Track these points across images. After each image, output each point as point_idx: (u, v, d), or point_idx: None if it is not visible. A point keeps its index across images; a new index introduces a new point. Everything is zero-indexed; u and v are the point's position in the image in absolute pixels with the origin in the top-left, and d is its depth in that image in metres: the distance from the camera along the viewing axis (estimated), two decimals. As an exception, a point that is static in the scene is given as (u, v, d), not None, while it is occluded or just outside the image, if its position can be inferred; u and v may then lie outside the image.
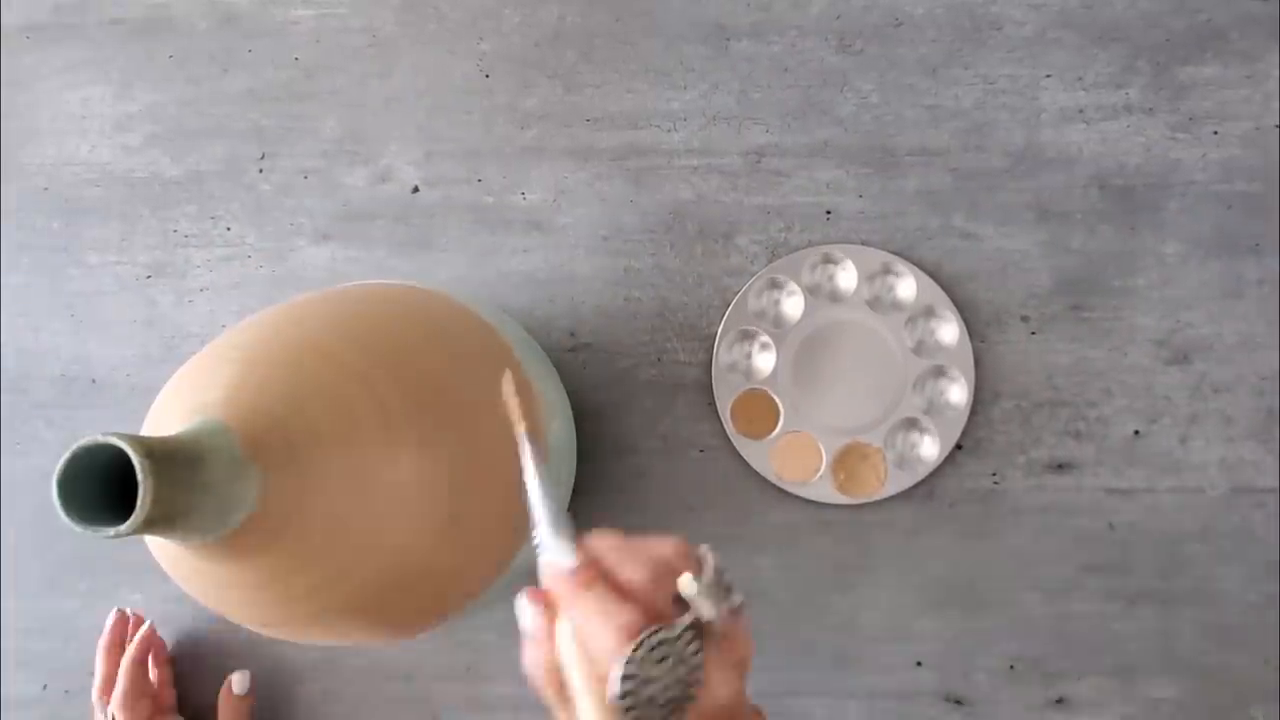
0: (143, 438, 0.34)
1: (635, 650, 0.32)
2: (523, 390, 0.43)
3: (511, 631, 0.65)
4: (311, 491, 0.39)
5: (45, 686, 0.66)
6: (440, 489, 0.43)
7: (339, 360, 0.43)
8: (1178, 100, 0.62)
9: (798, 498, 0.62)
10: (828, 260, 0.62)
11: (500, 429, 0.46)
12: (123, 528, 0.33)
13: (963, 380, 0.61)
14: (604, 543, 0.36)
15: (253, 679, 0.62)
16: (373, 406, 0.41)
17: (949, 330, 0.61)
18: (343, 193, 0.66)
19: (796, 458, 0.62)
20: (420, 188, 0.66)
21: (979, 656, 0.61)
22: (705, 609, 0.34)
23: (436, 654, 0.64)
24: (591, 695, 0.33)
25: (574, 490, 0.57)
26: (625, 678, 0.32)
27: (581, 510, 0.63)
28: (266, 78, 0.67)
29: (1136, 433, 0.61)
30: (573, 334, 0.64)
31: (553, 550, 0.36)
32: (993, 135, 0.63)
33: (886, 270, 0.62)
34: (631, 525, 0.63)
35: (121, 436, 0.33)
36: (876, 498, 0.61)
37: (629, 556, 0.35)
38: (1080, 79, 0.62)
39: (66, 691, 0.66)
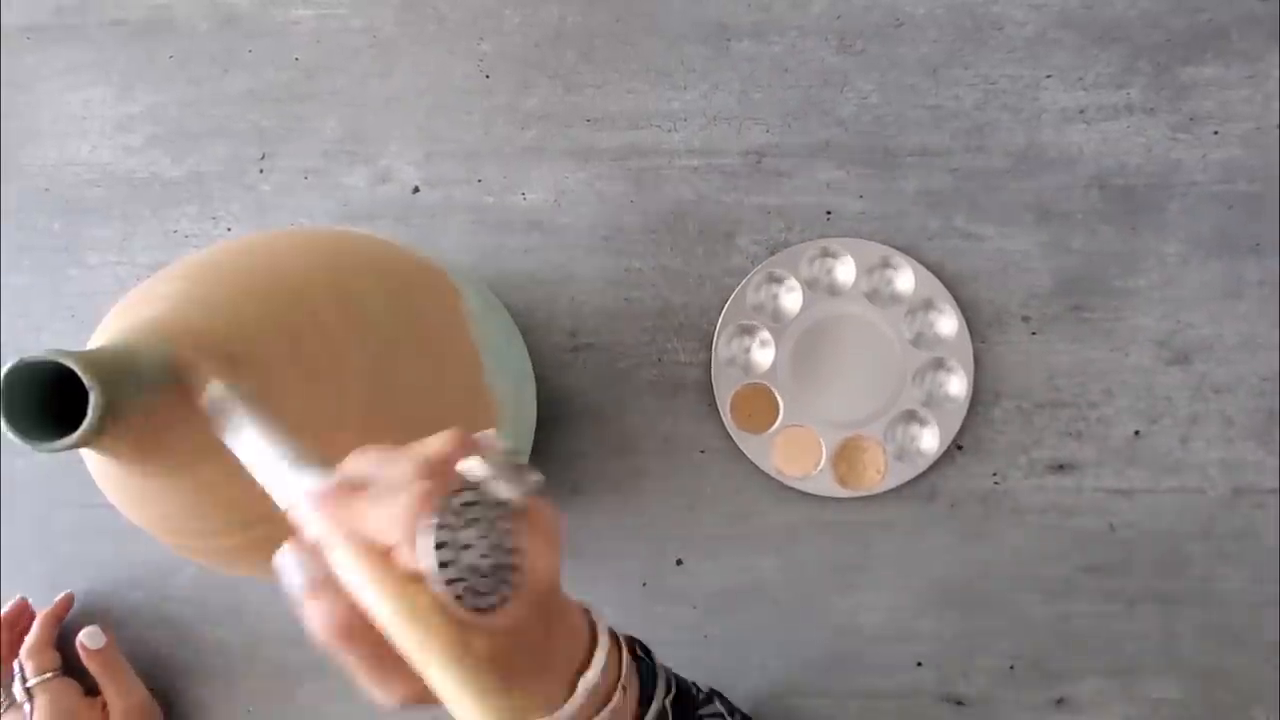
0: (84, 351, 0.34)
1: (442, 513, 0.27)
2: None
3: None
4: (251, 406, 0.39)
5: (46, 686, 0.66)
6: (383, 416, 0.43)
7: (284, 284, 0.43)
8: (1178, 100, 0.62)
9: (798, 498, 0.62)
10: (826, 254, 0.62)
11: (448, 366, 0.46)
12: (71, 438, 0.33)
13: (962, 372, 0.61)
14: (361, 460, 0.31)
15: (106, 632, 0.62)
16: (315, 330, 0.42)
17: (947, 323, 0.61)
18: (343, 193, 0.66)
19: (796, 452, 0.62)
20: (420, 188, 0.66)
21: (979, 657, 0.61)
22: (502, 489, 0.29)
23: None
24: (406, 599, 0.27)
25: (575, 491, 0.57)
26: (439, 546, 0.27)
27: (582, 510, 0.63)
28: (267, 78, 0.67)
29: (1137, 433, 0.61)
30: (573, 334, 0.64)
31: (295, 483, 0.31)
32: (993, 135, 0.63)
33: (885, 264, 0.62)
34: (632, 525, 0.63)
35: (63, 353, 0.33)
36: (876, 490, 0.61)
37: (393, 461, 0.30)
38: (1081, 79, 0.62)
39: (67, 691, 0.66)
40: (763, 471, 0.62)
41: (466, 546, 0.27)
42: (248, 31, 0.67)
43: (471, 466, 0.29)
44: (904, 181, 0.63)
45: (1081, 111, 0.62)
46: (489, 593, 0.28)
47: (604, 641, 0.34)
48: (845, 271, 0.62)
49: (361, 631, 0.29)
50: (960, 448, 0.62)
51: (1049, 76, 0.63)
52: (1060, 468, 0.61)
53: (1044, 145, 0.62)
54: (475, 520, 0.28)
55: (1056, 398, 0.62)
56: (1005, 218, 0.62)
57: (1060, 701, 0.61)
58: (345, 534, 0.29)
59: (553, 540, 0.30)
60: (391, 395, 0.43)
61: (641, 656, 0.39)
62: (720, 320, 0.62)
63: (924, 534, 0.62)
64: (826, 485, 0.61)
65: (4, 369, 0.34)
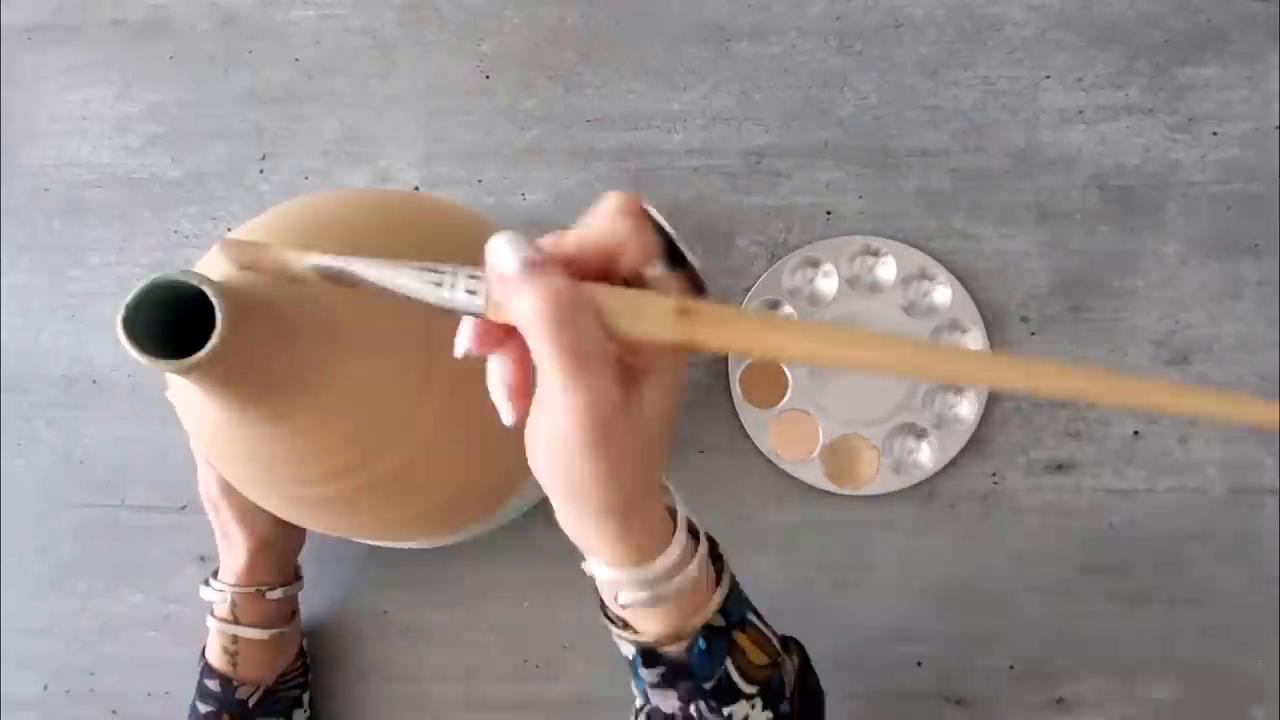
0: (208, 278, 0.35)
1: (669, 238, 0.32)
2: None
3: (511, 632, 0.65)
4: (337, 360, 0.41)
5: (46, 687, 0.66)
6: (459, 380, 0.44)
7: (396, 239, 0.44)
8: (1177, 101, 0.62)
9: (798, 498, 0.62)
10: (868, 251, 0.62)
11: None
12: (195, 358, 0.34)
13: (974, 397, 0.61)
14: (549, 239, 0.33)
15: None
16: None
17: (973, 345, 0.61)
18: (343, 193, 0.66)
19: (795, 436, 0.62)
20: (420, 188, 0.66)
21: (979, 657, 0.61)
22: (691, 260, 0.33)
23: (437, 654, 0.64)
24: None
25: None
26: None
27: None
28: (267, 78, 0.67)
29: (1136, 433, 0.61)
30: (573, 334, 0.64)
31: (498, 257, 0.32)
32: (992, 136, 0.63)
33: (923, 274, 0.62)
34: (632, 525, 0.63)
35: (192, 274, 0.35)
36: (864, 492, 0.61)
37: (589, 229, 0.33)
38: (1080, 80, 0.62)
39: (67, 691, 0.66)
40: (763, 472, 0.62)
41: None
42: (248, 32, 0.67)
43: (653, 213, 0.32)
44: (903, 181, 0.63)
45: (1080, 112, 0.62)
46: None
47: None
48: (886, 271, 0.62)
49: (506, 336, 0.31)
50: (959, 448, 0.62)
51: (1048, 77, 0.63)
52: (1059, 468, 0.62)
53: (1043, 145, 0.62)
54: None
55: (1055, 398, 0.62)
56: (1004, 218, 0.62)
57: (1060, 701, 0.61)
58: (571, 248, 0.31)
59: None
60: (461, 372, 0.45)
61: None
62: (750, 292, 0.62)
63: (923, 534, 0.62)
64: (816, 476, 0.61)
65: (134, 290, 0.35)
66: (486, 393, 0.33)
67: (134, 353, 0.35)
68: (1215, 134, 0.62)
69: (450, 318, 0.32)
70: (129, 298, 0.35)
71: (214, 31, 0.68)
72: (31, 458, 0.67)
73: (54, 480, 0.67)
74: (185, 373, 0.35)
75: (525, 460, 0.37)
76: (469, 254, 0.41)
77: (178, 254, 0.67)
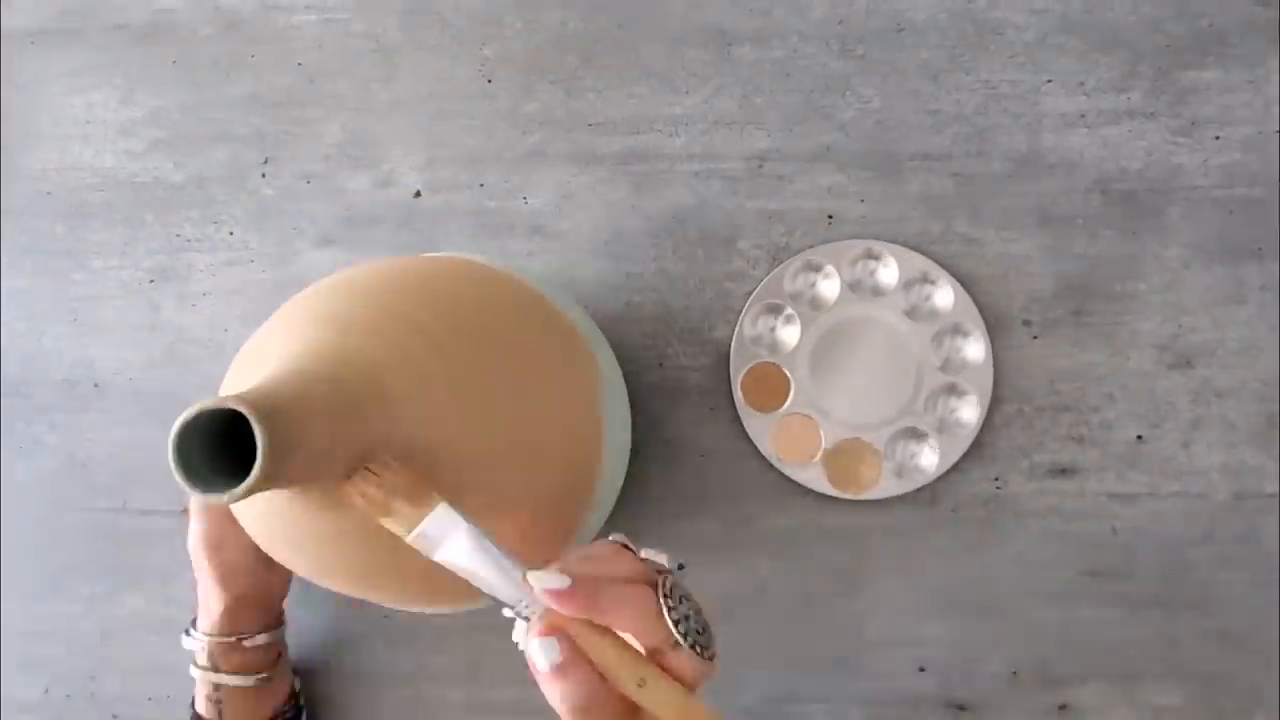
0: (254, 399, 0.34)
1: (664, 596, 0.35)
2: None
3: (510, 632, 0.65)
4: (401, 431, 0.39)
5: (47, 690, 0.66)
6: (516, 453, 0.43)
7: (446, 319, 0.43)
8: (1179, 105, 0.62)
9: (800, 502, 0.62)
10: (870, 255, 0.62)
11: (566, 399, 0.46)
12: (240, 488, 0.33)
13: (977, 400, 0.61)
14: (581, 562, 0.36)
15: None
16: (473, 370, 0.42)
17: (975, 349, 0.61)
18: (345, 197, 0.66)
19: (797, 439, 0.62)
20: (422, 192, 0.66)
21: (982, 662, 0.61)
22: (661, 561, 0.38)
23: (437, 657, 0.64)
24: (651, 668, 0.34)
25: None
26: (675, 621, 0.34)
27: (583, 515, 0.63)
28: (269, 83, 0.67)
29: (1139, 437, 0.61)
30: (574, 338, 0.64)
31: (542, 581, 0.35)
32: (994, 140, 0.63)
33: (925, 278, 0.62)
34: (631, 529, 0.63)
35: (235, 399, 0.33)
36: (866, 496, 0.61)
37: (611, 561, 0.37)
38: (1082, 84, 0.62)
39: (68, 695, 0.66)
40: (764, 476, 0.62)
41: (687, 615, 0.35)
42: (250, 36, 0.67)
43: (652, 555, 0.38)
44: (905, 186, 0.63)
45: (1082, 116, 0.62)
46: (710, 645, 0.35)
47: None
48: (888, 275, 0.62)
49: (600, 705, 0.34)
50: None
51: (1050, 81, 0.63)
52: (1062, 472, 0.61)
53: (1045, 150, 0.62)
54: (682, 595, 0.36)
55: (1058, 402, 0.62)
56: (1006, 222, 0.62)
57: (1063, 707, 0.61)
58: (600, 617, 0.35)
59: None
60: (523, 429, 0.44)
61: None
62: (752, 296, 0.62)
63: (926, 538, 0.62)
64: (818, 480, 0.61)
65: (178, 422, 0.33)
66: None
67: (185, 484, 0.33)
68: (1217, 138, 0.62)
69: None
70: (175, 428, 0.33)
71: (216, 36, 0.68)
72: (33, 461, 0.67)
73: (56, 484, 0.67)
74: (235, 500, 0.33)
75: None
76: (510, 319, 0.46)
77: (180, 258, 0.67)
